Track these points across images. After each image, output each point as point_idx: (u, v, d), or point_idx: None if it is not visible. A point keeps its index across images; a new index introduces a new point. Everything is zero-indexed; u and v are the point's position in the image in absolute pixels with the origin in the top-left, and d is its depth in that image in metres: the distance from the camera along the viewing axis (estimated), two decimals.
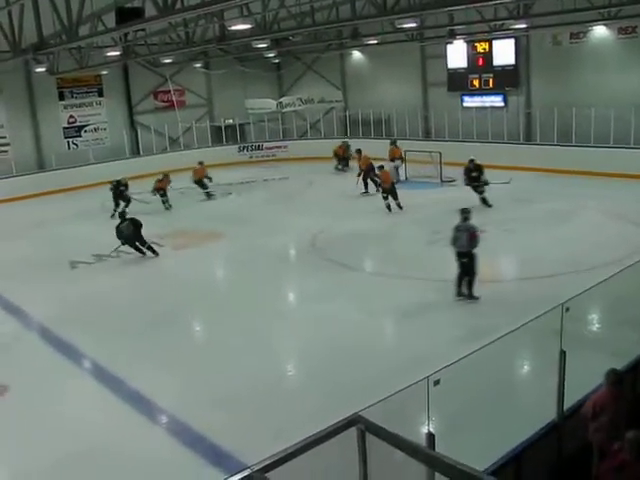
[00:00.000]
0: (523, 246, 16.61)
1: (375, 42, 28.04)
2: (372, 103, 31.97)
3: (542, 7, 20.34)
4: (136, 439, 8.99)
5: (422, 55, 30.87)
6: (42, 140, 31.33)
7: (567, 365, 7.33)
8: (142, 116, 34.10)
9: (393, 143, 26.12)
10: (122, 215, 18.73)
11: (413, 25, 20.50)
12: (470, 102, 29.51)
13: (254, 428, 8.86)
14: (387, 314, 13.16)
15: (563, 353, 7.32)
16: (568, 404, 7.44)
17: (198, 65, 33.61)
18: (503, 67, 28.10)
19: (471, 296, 13.06)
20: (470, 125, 28.36)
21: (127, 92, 33.94)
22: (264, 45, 25.51)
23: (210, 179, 25.47)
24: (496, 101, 28.64)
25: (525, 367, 10.67)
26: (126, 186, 23.41)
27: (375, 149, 27.34)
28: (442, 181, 24.52)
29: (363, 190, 23.82)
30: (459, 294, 13.11)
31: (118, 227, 17.84)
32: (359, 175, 24.07)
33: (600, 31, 24.69)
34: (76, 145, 32.50)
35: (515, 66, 27.74)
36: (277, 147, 34.29)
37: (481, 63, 28.80)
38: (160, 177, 24.43)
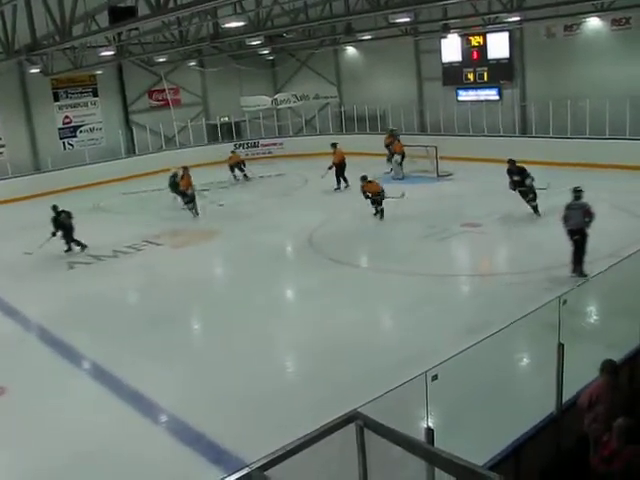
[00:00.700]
0: (521, 240, 16.64)
1: (369, 37, 28.01)
2: (367, 99, 31.98)
3: (536, 0, 20.35)
4: (136, 439, 8.99)
5: (416, 50, 30.86)
6: (37, 141, 31.31)
7: (565, 358, 7.33)
8: (137, 115, 34.07)
9: (393, 136, 26.16)
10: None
11: (407, 20, 20.49)
12: (465, 96, 29.51)
13: (253, 426, 8.87)
14: (385, 310, 13.19)
15: (561, 346, 7.33)
16: (567, 397, 7.45)
17: (192, 63, 33.54)
18: (497, 60, 28.08)
19: (582, 273, 13.16)
20: (465, 119, 28.39)
21: (122, 91, 33.90)
22: (258, 42, 25.48)
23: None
24: (491, 95, 28.63)
25: (523, 361, 10.69)
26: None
27: (371, 144, 27.40)
28: (438, 175, 24.54)
29: (335, 186, 23.91)
30: (574, 271, 13.27)
31: (56, 218, 18.32)
32: (330, 168, 23.96)
33: (594, 23, 24.70)
34: (72, 145, 32.46)
35: (509, 59, 27.72)
36: (273, 144, 34.28)
37: (475, 57, 28.78)
38: (179, 172, 22.63)
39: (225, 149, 33.11)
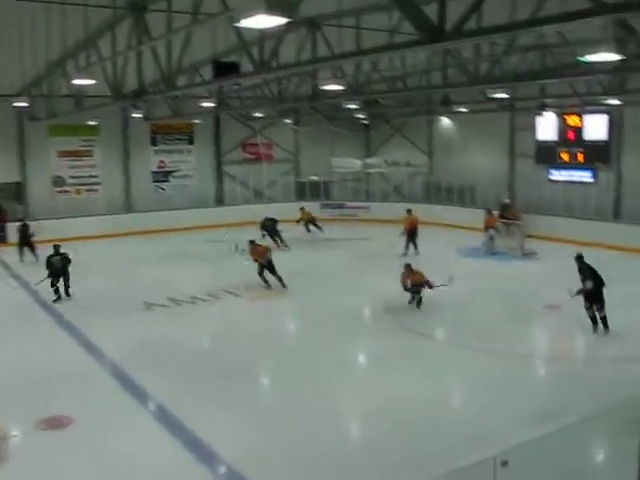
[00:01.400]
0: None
1: (465, 110, 28.10)
2: (457, 170, 31.91)
3: (637, 83, 20.05)
4: None
5: (511, 125, 30.70)
6: (132, 182, 32.35)
7: None
8: (229, 166, 34.84)
9: (489, 212, 25.84)
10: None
11: (504, 96, 20.50)
12: (557, 175, 29.11)
13: None
14: (456, 386, 12.87)
15: None
16: None
17: (288, 121, 34.23)
18: (594, 142, 27.66)
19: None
20: (556, 199, 27.94)
21: (217, 142, 34.81)
22: (354, 106, 25.85)
23: None
24: (585, 176, 28.14)
25: (601, 455, 10.20)
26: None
27: (457, 217, 27.17)
28: (523, 254, 24.10)
29: (403, 252, 24.15)
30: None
31: (49, 259, 18.65)
32: (402, 234, 24.54)
33: None
34: (163, 189, 33.41)
35: (607, 142, 27.27)
36: (359, 207, 34.29)
37: (571, 137, 28.43)
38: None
39: (312, 207, 33.43)
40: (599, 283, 14.63)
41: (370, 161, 35.09)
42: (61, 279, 18.63)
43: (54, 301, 18.36)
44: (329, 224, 31.60)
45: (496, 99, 23.02)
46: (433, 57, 19.17)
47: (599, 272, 14.77)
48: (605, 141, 27.32)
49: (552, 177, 29.26)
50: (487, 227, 25.19)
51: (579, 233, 24.35)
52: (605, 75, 18.29)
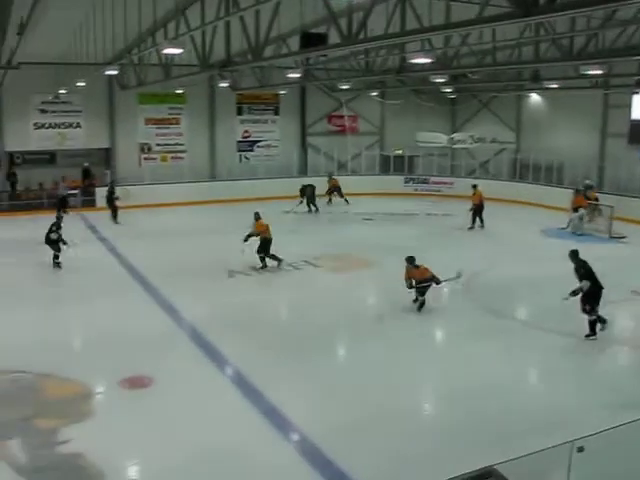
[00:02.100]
0: None
1: (556, 86, 27.28)
2: (545, 148, 31.05)
3: None
4: (267, 450, 9.06)
5: (604, 103, 29.64)
6: (216, 150, 32.79)
7: None
8: (314, 138, 34.88)
9: (578, 192, 25.15)
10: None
11: (598, 72, 19.80)
12: None
13: (385, 463, 8.69)
14: (535, 369, 12.64)
15: None
16: None
17: (374, 94, 33.97)
18: None
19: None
20: None
21: (302, 113, 34.88)
22: (442, 80, 25.43)
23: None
24: None
25: None
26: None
27: (543, 196, 26.55)
28: (611, 236, 23.42)
29: (470, 225, 24.72)
30: None
31: (48, 235, 18.69)
32: (470, 210, 24.92)
33: None
34: (247, 159, 33.77)
35: None
36: (443, 183, 33.89)
37: None
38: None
39: (396, 182, 33.31)
40: (597, 283, 13.29)
41: (456, 136, 34.56)
42: None
43: None
44: (412, 198, 31.46)
45: (590, 75, 22.27)
46: (525, 31, 18.63)
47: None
48: None
49: None
50: (576, 207, 24.50)
51: None
52: None
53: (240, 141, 33.76)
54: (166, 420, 9.87)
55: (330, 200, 29.85)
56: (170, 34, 16.83)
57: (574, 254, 13.76)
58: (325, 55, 20.76)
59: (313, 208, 28.24)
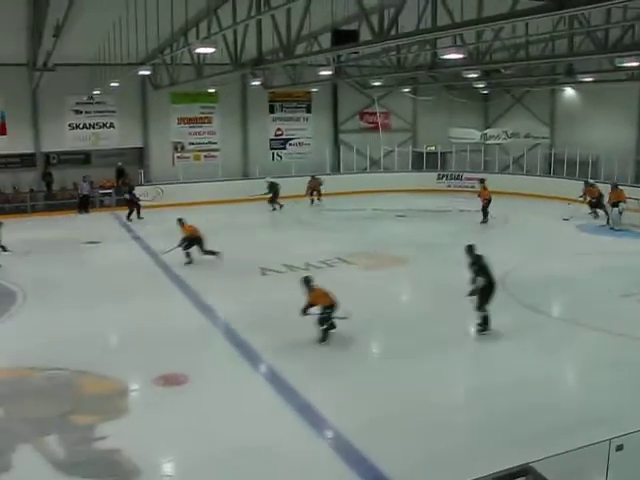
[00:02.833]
0: None
1: (590, 80, 26.94)
2: (580, 142, 30.65)
3: None
4: (301, 447, 9.10)
5: None
6: (249, 149, 32.93)
7: None
8: (346, 135, 34.85)
9: (615, 186, 24.79)
10: None
11: (635, 64, 19.51)
12: None
13: (420, 460, 8.67)
14: (574, 366, 12.51)
15: None
16: None
17: (406, 90, 33.89)
18: None
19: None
20: None
21: (334, 110, 34.87)
22: (474, 75, 25.28)
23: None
24: None
25: None
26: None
27: (578, 191, 26.20)
28: None
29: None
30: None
31: None
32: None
33: None
34: (280, 157, 33.87)
35: None
36: (477, 179, 33.61)
37: None
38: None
39: (429, 178, 33.17)
40: (491, 279, 13.05)
41: (489, 132, 34.31)
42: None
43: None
44: (445, 195, 31.33)
45: (625, 68, 21.95)
46: (559, 24, 18.42)
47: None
48: None
49: None
50: (615, 202, 24.16)
51: None
52: None
53: (272, 139, 33.88)
54: (200, 417, 9.94)
55: (312, 201, 29.59)
56: (202, 33, 16.93)
57: (470, 249, 13.57)
58: (356, 52, 20.72)
59: (277, 206, 28.17)
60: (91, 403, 10.55)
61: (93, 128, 30.57)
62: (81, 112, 30.31)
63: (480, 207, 25.08)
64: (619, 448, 5.86)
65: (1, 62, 26.28)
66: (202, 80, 22.77)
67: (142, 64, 22.40)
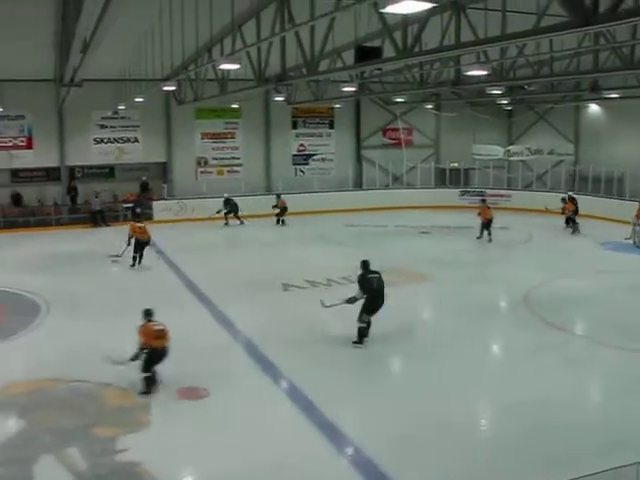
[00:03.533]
0: None
1: (616, 96, 26.79)
2: (605, 159, 30.43)
3: None
4: (321, 463, 9.05)
5: None
6: (272, 164, 33.08)
7: None
8: (368, 151, 34.92)
9: None
10: None
11: None
12: None
13: (436, 473, 8.64)
14: (598, 387, 12.38)
15: None
16: None
17: (429, 106, 33.91)
18: None
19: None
20: None
21: (357, 126, 34.98)
22: (498, 92, 25.24)
23: None
24: None
25: None
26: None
27: (604, 208, 26.05)
28: None
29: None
30: None
31: None
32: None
33: None
34: (302, 172, 33.98)
35: None
36: (500, 195, 33.48)
37: None
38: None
39: (451, 194, 33.10)
40: (375, 297, 13.47)
41: (513, 148, 34.20)
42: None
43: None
44: (467, 211, 31.15)
45: None
46: (583, 40, 18.35)
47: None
48: None
49: None
50: None
51: None
52: None
53: (295, 155, 34.03)
54: (221, 432, 9.95)
55: (278, 221, 28.91)
56: (226, 50, 17.05)
57: (364, 264, 14.07)
58: (380, 69, 20.76)
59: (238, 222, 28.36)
60: (113, 416, 10.59)
61: (117, 142, 30.89)
62: (106, 127, 30.66)
63: (479, 225, 24.99)
64: None
65: (29, 78, 26.67)
66: (226, 96, 22.90)
67: (167, 79, 22.60)
